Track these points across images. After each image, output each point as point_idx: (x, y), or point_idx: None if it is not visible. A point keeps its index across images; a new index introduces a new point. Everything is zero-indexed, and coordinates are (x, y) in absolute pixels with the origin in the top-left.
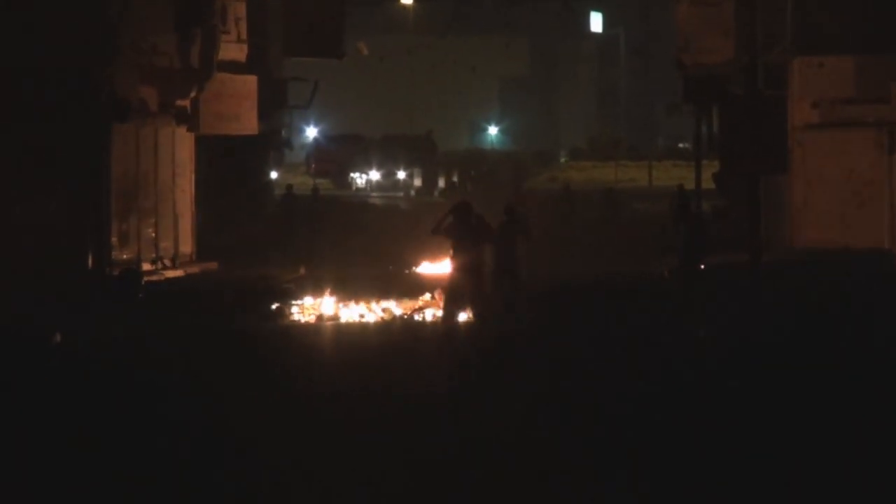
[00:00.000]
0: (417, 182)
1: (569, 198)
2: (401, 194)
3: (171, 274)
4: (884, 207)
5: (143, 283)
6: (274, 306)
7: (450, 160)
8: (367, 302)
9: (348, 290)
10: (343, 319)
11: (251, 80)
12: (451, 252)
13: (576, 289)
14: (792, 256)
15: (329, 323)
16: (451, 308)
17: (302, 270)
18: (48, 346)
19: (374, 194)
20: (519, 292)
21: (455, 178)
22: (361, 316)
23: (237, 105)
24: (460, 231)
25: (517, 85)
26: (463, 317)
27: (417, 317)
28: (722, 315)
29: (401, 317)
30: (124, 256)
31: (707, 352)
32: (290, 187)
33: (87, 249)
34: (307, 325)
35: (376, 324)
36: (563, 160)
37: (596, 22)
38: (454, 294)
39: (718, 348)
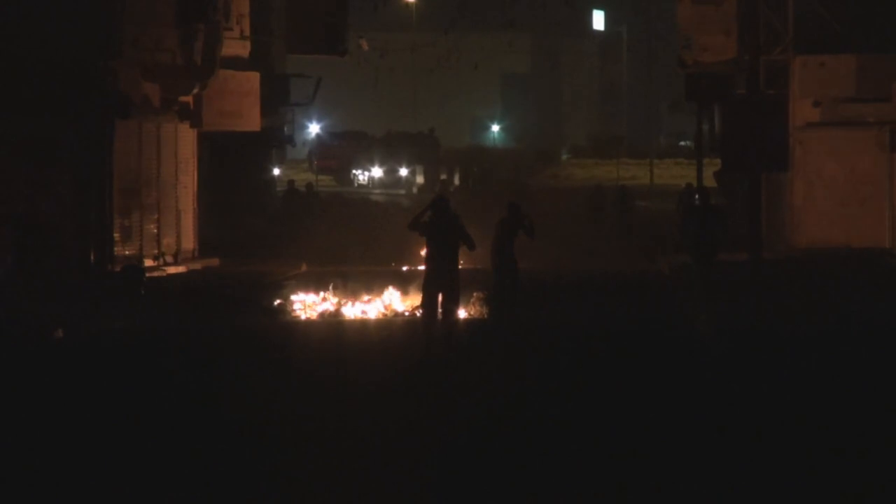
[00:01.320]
0: (420, 179)
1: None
2: (403, 191)
3: (172, 270)
4: (884, 206)
5: (144, 278)
6: (276, 302)
7: (452, 157)
8: (369, 298)
9: (349, 286)
10: (344, 316)
11: (254, 77)
12: (425, 248)
13: (581, 284)
14: (793, 255)
15: (331, 319)
16: (429, 305)
17: (304, 267)
18: (50, 341)
19: (376, 191)
20: (515, 287)
21: (456, 177)
22: (363, 312)
23: (240, 101)
24: (437, 227)
25: (519, 82)
26: (463, 314)
27: (418, 313)
28: (723, 312)
29: (402, 313)
30: (126, 252)
31: (711, 347)
32: (291, 182)
33: (90, 245)
34: (309, 321)
35: (377, 320)
36: (564, 157)
37: (598, 20)
38: (431, 290)
39: (721, 344)
